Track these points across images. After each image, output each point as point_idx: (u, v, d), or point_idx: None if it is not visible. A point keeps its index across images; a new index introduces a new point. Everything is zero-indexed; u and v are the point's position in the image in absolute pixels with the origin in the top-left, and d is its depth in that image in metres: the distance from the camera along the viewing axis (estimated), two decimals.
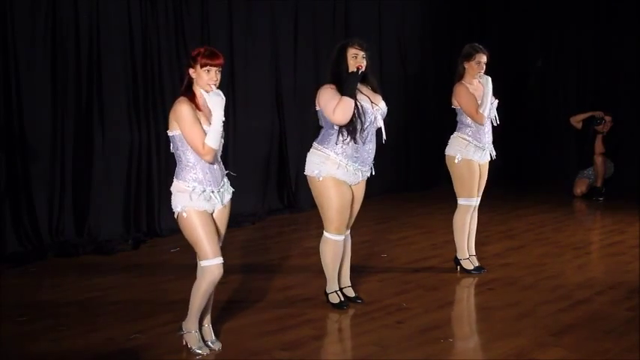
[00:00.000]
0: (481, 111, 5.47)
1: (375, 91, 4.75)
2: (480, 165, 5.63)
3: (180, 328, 4.11)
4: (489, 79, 5.51)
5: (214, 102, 3.84)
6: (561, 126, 10.58)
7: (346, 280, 4.99)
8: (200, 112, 3.88)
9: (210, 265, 3.91)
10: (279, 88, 8.46)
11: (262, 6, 8.18)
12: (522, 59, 10.97)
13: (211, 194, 3.93)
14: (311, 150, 4.72)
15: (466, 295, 5.40)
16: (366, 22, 9.41)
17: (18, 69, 6.25)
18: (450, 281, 5.57)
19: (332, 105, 4.49)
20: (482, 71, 5.54)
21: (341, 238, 4.74)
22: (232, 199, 4.14)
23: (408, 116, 9.96)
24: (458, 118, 5.64)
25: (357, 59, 4.59)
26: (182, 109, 3.82)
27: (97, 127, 6.77)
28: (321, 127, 4.71)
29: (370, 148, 4.66)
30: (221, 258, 3.93)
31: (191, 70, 3.90)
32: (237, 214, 7.59)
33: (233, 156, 7.81)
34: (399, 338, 4.30)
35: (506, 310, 4.82)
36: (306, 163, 4.73)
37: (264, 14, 8.21)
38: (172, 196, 3.95)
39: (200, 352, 4.01)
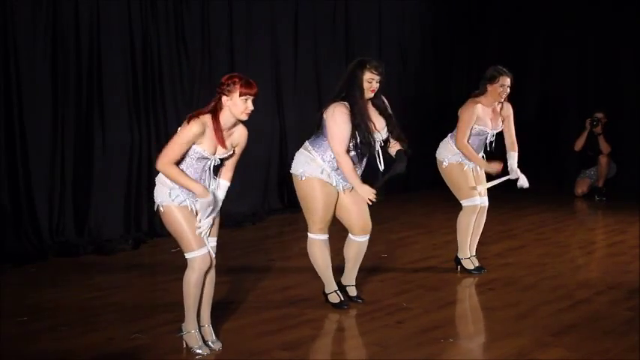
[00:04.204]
0: (467, 143, 5.45)
1: (380, 113, 4.69)
2: (471, 169, 5.61)
3: (181, 330, 4.11)
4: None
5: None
6: (562, 126, 10.59)
7: (351, 279, 4.97)
8: (218, 145, 3.89)
9: (197, 256, 3.94)
10: (279, 88, 8.46)
11: (262, 6, 8.18)
12: (523, 59, 10.95)
13: (185, 200, 3.94)
14: (300, 149, 4.71)
15: (467, 295, 5.40)
16: (366, 23, 9.42)
17: (18, 69, 6.25)
18: (450, 281, 5.57)
19: (341, 135, 4.46)
20: (506, 95, 5.46)
21: (325, 237, 4.75)
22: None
23: (407, 116, 9.94)
24: (458, 126, 5.60)
25: (372, 84, 4.55)
26: (192, 128, 3.79)
27: (97, 127, 6.77)
28: (318, 131, 4.65)
29: (358, 168, 4.65)
30: (206, 248, 3.96)
31: (225, 98, 3.85)
32: (238, 214, 7.60)
33: None
34: (399, 338, 4.30)
35: (507, 310, 4.82)
36: (293, 161, 4.73)
37: (264, 14, 8.20)
38: (156, 187, 3.98)
39: (200, 352, 4.01)
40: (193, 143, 3.85)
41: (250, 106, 3.88)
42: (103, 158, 6.82)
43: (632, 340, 4.24)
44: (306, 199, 4.67)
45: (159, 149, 6.97)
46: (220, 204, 4.07)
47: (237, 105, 3.85)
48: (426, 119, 10.20)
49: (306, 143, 4.69)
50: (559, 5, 10.62)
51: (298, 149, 4.77)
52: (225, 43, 7.84)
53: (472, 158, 5.53)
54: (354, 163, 4.56)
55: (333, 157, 4.57)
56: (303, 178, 4.63)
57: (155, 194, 3.97)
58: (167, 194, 3.90)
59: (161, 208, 3.94)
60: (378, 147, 4.64)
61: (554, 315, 4.72)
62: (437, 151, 5.72)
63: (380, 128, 4.65)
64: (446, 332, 4.42)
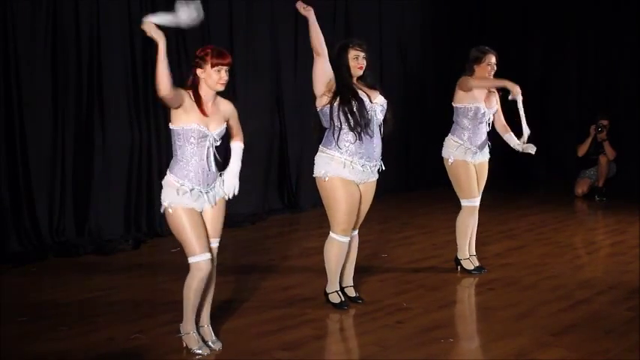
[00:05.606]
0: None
1: (371, 87, 4.73)
2: (475, 165, 5.62)
3: (179, 331, 4.11)
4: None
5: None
6: (562, 125, 10.59)
7: (349, 280, 4.98)
8: (205, 117, 3.88)
9: (199, 261, 3.92)
10: (279, 88, 8.46)
11: (262, 7, 8.18)
12: (523, 59, 10.96)
13: (199, 193, 3.93)
14: (317, 153, 4.72)
15: (467, 295, 5.40)
16: (366, 22, 9.42)
17: (18, 69, 6.26)
18: (450, 281, 5.57)
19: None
20: (494, 72, 5.49)
21: (347, 239, 4.72)
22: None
23: (408, 116, 9.95)
24: (454, 119, 5.62)
25: (358, 60, 4.61)
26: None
27: (98, 126, 6.78)
28: (324, 129, 4.68)
29: (376, 144, 4.65)
30: (209, 254, 3.94)
31: (199, 71, 3.88)
32: (238, 214, 7.60)
33: None
34: (399, 338, 4.30)
35: (507, 310, 4.82)
36: (314, 165, 4.73)
37: (264, 15, 8.21)
38: (163, 189, 3.97)
39: (200, 352, 4.01)
40: (180, 105, 3.83)
41: (224, 76, 3.87)
42: (103, 158, 6.82)
43: (632, 340, 4.24)
44: (329, 200, 4.65)
45: (159, 149, 7.08)
46: (237, 169, 4.11)
47: (210, 76, 3.86)
48: (426, 119, 10.21)
49: (320, 147, 4.70)
50: (559, 5, 10.62)
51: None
52: (225, 43, 7.83)
53: (488, 83, 5.50)
54: (363, 139, 4.56)
55: (348, 144, 4.56)
56: (327, 179, 4.61)
57: (162, 196, 3.95)
58: (174, 194, 3.88)
59: (169, 210, 3.90)
60: (381, 116, 4.65)
61: (554, 315, 4.72)
62: (442, 151, 5.71)
63: (375, 97, 4.67)
64: (446, 332, 4.42)
